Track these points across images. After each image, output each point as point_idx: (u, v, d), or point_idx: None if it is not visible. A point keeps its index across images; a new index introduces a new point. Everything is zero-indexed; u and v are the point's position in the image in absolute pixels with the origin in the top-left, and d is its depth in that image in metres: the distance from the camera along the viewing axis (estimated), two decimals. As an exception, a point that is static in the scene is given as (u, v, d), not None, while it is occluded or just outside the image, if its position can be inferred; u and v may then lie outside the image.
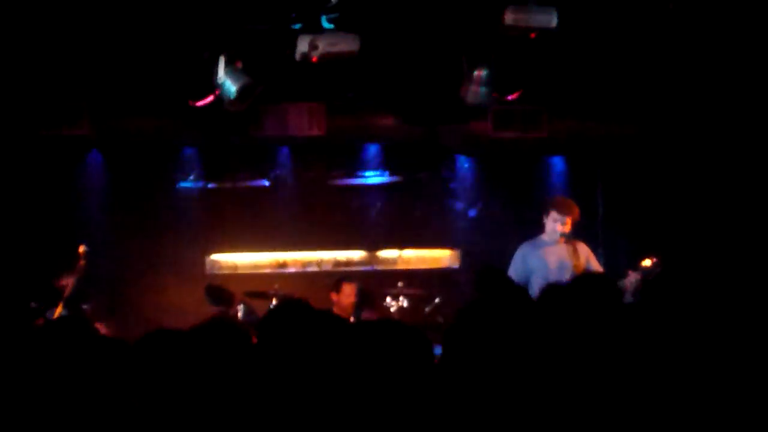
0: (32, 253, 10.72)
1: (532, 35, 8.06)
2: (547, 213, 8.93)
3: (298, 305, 4.23)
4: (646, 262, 8.58)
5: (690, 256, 10.45)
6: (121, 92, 10.32)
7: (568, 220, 8.84)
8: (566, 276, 8.67)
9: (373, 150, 11.70)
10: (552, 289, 4.41)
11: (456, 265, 11.84)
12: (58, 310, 8.84)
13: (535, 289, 8.68)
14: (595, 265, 9.00)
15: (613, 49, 9.43)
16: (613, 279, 5.91)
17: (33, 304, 8.99)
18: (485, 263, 8.45)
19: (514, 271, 8.95)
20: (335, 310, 10.17)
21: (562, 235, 8.82)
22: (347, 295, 10.24)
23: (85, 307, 9.15)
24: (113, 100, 10.45)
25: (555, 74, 10.14)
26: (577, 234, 8.96)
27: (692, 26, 8.70)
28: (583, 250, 8.98)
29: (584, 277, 6.25)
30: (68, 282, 9.00)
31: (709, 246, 10.62)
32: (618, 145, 11.20)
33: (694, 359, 3.82)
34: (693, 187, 10.98)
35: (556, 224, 8.84)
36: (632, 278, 8.46)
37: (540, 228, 8.99)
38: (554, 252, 8.82)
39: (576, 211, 8.95)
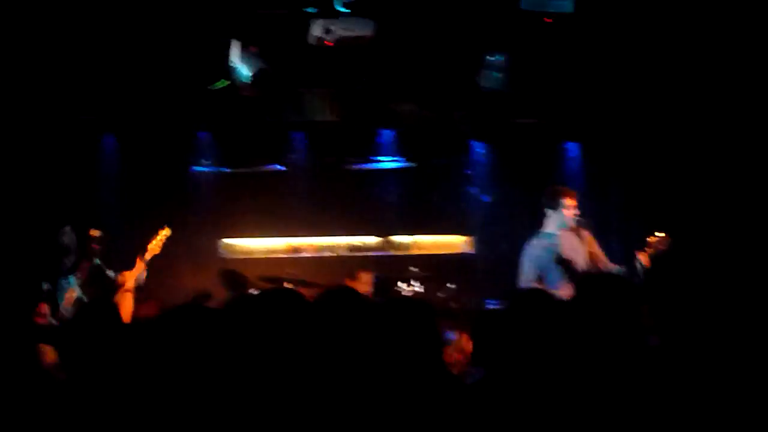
0: (45, 237, 10.76)
1: (548, 20, 8.03)
2: (559, 203, 8.88)
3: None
4: (653, 238, 8.57)
5: (703, 241, 10.41)
6: (136, 76, 10.34)
7: (575, 202, 8.85)
8: (581, 263, 8.67)
9: (388, 136, 11.69)
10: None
11: (470, 250, 11.82)
12: (71, 294, 8.80)
13: (552, 283, 8.66)
14: (598, 251, 8.97)
15: (629, 35, 9.39)
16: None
17: (45, 286, 8.95)
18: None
19: (530, 269, 8.92)
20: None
21: (577, 219, 8.81)
22: (364, 283, 10.26)
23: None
24: (128, 83, 10.47)
25: (571, 59, 10.11)
26: (590, 220, 8.94)
27: (711, 14, 8.66)
28: (587, 236, 8.96)
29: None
30: (82, 266, 8.98)
31: (722, 231, 10.58)
32: (633, 131, 11.14)
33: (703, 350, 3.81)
34: (708, 172, 10.93)
35: (571, 210, 8.82)
36: (641, 258, 8.47)
37: (539, 223, 8.94)
38: (567, 243, 8.77)
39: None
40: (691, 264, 9.42)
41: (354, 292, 4.20)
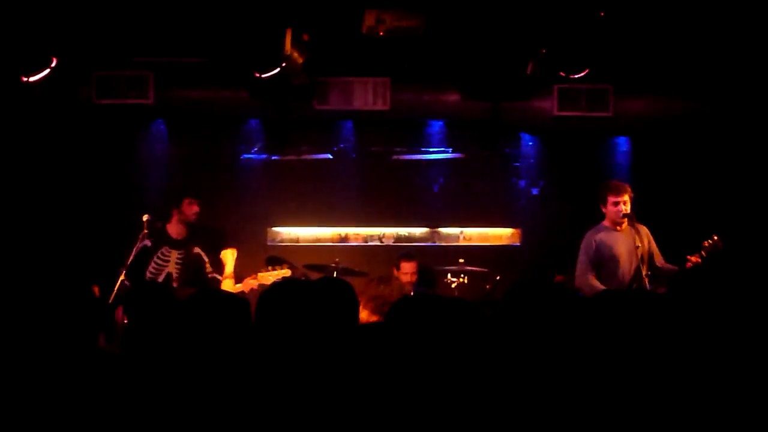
0: (95, 221, 10.87)
1: (602, 14, 7.98)
2: (605, 199, 8.89)
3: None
4: (708, 241, 8.57)
5: (756, 239, 10.32)
6: (187, 63, 10.40)
7: (626, 197, 8.80)
8: (635, 262, 8.65)
9: (436, 126, 11.66)
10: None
11: (517, 242, 11.79)
12: (120, 278, 8.92)
13: (607, 278, 8.66)
14: (655, 249, 8.95)
15: (682, 27, 9.31)
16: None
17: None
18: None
19: (586, 261, 8.90)
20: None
21: (625, 216, 8.77)
22: (406, 272, 10.28)
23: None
24: (179, 70, 10.52)
25: (622, 52, 10.04)
26: (639, 216, 8.90)
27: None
28: (645, 232, 8.94)
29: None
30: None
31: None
32: (685, 125, 11.05)
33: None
34: (762, 168, 10.82)
35: (618, 207, 8.80)
36: (692, 262, 8.45)
37: (600, 216, 8.96)
38: (622, 238, 8.78)
39: (629, 189, 8.91)
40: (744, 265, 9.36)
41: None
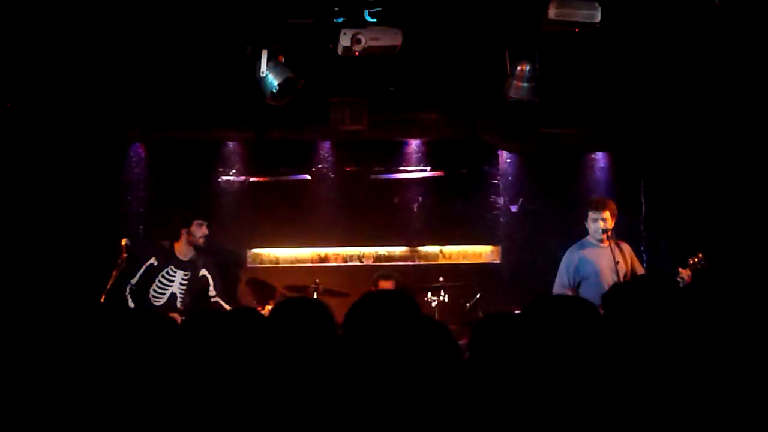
0: (74, 245, 10.79)
1: (576, 30, 7.99)
2: (586, 216, 8.94)
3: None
4: (694, 258, 8.60)
5: (734, 253, 10.34)
6: (164, 91, 10.36)
7: (606, 215, 8.83)
8: (616, 278, 8.67)
9: (414, 145, 11.67)
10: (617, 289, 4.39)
11: (497, 260, 11.79)
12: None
13: (588, 293, 8.67)
14: (638, 266, 8.98)
15: (658, 43, 9.34)
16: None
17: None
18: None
19: (566, 276, 8.92)
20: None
21: (605, 231, 8.79)
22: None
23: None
24: (156, 92, 10.49)
25: (599, 69, 10.07)
26: (619, 232, 8.92)
27: (739, 22, 8.60)
28: (628, 250, 8.97)
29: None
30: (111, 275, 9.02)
31: (753, 244, 10.49)
32: (662, 141, 11.08)
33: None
34: (738, 183, 10.85)
35: (597, 223, 8.84)
36: (684, 275, 8.49)
37: (584, 230, 8.98)
38: (604, 255, 8.81)
39: (612, 205, 8.93)
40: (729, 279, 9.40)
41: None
